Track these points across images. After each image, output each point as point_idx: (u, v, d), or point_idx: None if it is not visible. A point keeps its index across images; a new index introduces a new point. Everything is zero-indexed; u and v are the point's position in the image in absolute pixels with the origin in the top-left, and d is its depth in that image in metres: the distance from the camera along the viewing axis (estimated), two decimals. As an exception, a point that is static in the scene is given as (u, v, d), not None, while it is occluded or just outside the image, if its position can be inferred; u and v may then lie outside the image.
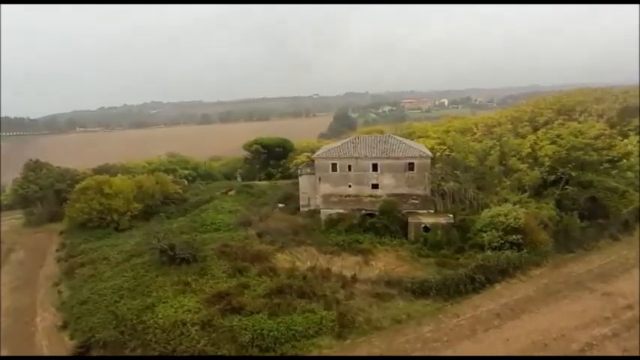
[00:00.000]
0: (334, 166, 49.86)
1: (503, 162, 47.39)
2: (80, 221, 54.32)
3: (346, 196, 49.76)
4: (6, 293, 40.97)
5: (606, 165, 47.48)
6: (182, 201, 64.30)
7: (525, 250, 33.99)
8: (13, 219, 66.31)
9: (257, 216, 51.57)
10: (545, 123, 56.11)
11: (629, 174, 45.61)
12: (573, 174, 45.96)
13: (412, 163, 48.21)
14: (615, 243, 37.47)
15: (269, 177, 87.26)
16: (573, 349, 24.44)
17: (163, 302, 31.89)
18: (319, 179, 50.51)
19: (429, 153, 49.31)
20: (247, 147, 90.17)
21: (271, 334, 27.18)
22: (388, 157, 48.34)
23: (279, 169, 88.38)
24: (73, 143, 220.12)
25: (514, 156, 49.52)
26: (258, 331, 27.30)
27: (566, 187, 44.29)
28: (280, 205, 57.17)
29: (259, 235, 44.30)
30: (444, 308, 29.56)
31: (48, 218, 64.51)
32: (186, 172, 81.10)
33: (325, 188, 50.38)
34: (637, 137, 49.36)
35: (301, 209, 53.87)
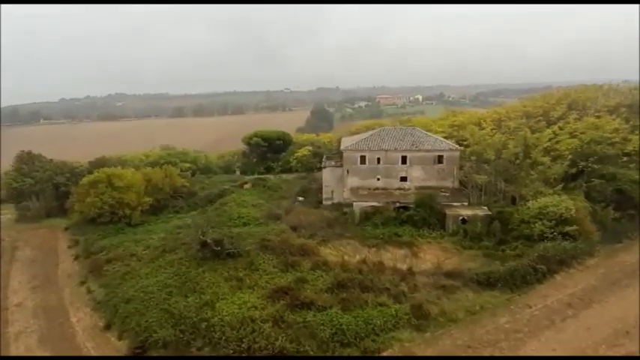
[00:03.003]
0: (363, 159, 49.36)
1: (530, 155, 48.13)
2: (90, 216, 51.44)
3: (374, 189, 49.41)
4: (27, 293, 38.30)
5: (625, 159, 49.21)
6: (190, 195, 62.17)
7: (579, 241, 34.79)
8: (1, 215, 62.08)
9: (280, 210, 50.44)
10: (559, 118, 57.69)
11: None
12: (595, 167, 47.43)
13: (441, 156, 48.42)
14: (656, 233, 39.11)
15: (268, 170, 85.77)
16: (656, 336, 25.11)
17: (222, 299, 30.55)
18: (347, 172, 49.86)
19: (457, 146, 49.66)
20: (247, 140, 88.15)
21: (351, 328, 26.54)
22: (419, 150, 48.31)
23: (279, 163, 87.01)
24: (42, 135, 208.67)
25: (535, 149, 50.46)
26: (337, 327, 26.58)
27: (592, 179, 45.63)
28: (300, 198, 56.16)
29: (294, 228, 43.23)
30: (513, 299, 29.75)
31: (45, 213, 60.99)
32: (187, 165, 78.35)
33: (353, 181, 49.81)
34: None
35: (324, 202, 53.05)
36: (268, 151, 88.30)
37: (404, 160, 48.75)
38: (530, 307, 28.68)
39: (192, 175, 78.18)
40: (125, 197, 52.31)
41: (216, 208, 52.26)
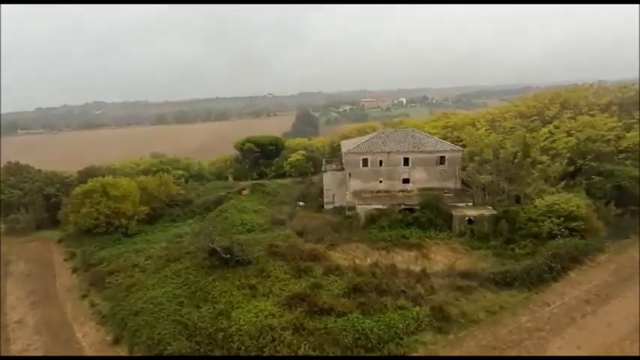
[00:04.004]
0: (365, 162, 49.17)
1: (530, 154, 48.56)
2: (85, 227, 49.93)
3: (377, 192, 49.23)
4: (27, 309, 36.73)
5: (621, 156, 50.18)
6: (186, 202, 61.01)
7: (588, 238, 35.16)
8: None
9: (283, 215, 49.80)
10: (553, 117, 58.60)
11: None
12: (593, 164, 48.21)
13: (443, 157, 48.57)
14: (660, 227, 39.71)
15: (261, 176, 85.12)
16: (676, 330, 25.39)
17: (237, 308, 29.81)
18: (349, 175, 49.56)
19: (459, 147, 49.89)
20: (239, 146, 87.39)
21: (374, 333, 26.12)
22: (421, 152, 48.37)
23: (273, 168, 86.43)
24: (21, 146, 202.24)
25: (533, 148, 50.98)
26: (360, 332, 26.13)
27: (592, 177, 46.29)
28: (300, 203, 55.61)
29: (299, 233, 42.66)
30: (531, 298, 29.73)
31: (35, 226, 59.00)
32: (180, 172, 76.96)
33: (355, 184, 49.55)
34: None
35: (325, 207, 52.67)
36: (261, 157, 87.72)
37: (406, 161, 48.75)
38: (549, 305, 28.71)
39: (186, 182, 76.94)
40: (122, 207, 51.01)
41: (217, 215, 51.25)
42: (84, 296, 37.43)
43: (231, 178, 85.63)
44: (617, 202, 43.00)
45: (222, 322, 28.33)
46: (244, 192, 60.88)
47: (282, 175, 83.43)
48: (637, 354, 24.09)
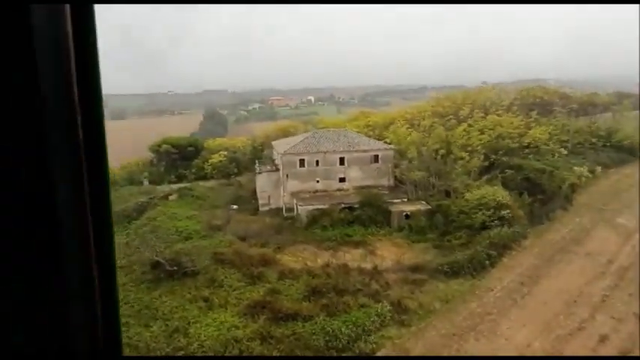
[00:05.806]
0: (302, 162, 49.06)
1: (452, 151, 52.56)
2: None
3: (315, 192, 49.48)
4: None
5: (526, 151, 56.65)
6: (101, 212, 55.53)
7: (515, 226, 39.05)
8: None
9: (217, 220, 47.74)
10: (467, 116, 64.00)
11: (551, 157, 55.83)
12: (504, 159, 53.72)
13: (377, 155, 50.38)
14: (566, 213, 45.32)
15: (180, 179, 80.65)
16: (596, 302, 29.38)
17: (194, 323, 27.97)
18: (287, 176, 49.12)
19: (390, 145, 52.14)
20: (154, 147, 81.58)
21: (343, 333, 26.30)
22: (356, 151, 49.61)
23: (192, 170, 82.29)
24: None
25: (453, 145, 55.32)
26: (330, 333, 26.15)
27: (505, 170, 51.51)
28: (234, 206, 53.71)
29: (242, 238, 41.29)
30: (475, 284, 32.25)
31: None
32: (87, 178, 69.51)
33: (293, 185, 49.23)
34: (541, 128, 60.09)
35: (261, 209, 51.60)
36: (179, 159, 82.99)
37: (342, 161, 49.68)
38: (492, 290, 31.41)
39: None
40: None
41: (145, 224, 47.36)
42: None
43: (146, 183, 79.73)
44: (527, 193, 48.36)
45: (179, 340, 26.47)
46: (171, 197, 57.16)
47: (203, 178, 79.77)
48: (570, 328, 27.38)
